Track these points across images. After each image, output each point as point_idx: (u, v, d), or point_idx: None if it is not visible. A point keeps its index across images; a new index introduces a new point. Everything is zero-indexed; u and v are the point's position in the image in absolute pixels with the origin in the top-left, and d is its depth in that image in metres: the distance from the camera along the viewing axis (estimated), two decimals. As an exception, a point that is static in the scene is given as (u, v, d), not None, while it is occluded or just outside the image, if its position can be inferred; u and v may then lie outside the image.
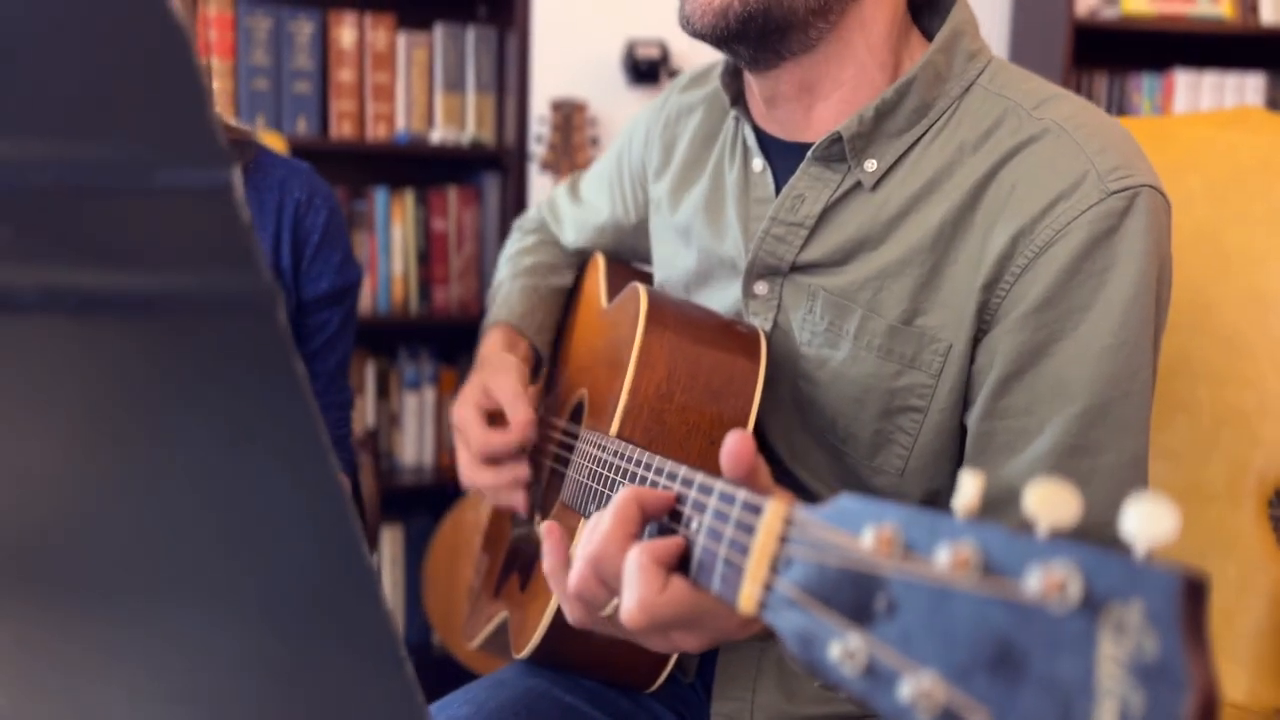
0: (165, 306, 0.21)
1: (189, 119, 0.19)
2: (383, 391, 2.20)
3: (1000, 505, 0.75)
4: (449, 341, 2.24)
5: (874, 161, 0.80)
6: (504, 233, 2.13)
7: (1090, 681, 0.33)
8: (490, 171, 2.19)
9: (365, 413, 2.19)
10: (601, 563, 0.57)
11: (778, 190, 0.85)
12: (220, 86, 1.99)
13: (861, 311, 0.79)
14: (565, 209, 1.17)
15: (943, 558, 0.38)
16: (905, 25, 0.83)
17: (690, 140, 0.97)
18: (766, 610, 0.46)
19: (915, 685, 0.37)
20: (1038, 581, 0.35)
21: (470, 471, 0.94)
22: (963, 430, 0.80)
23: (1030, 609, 0.35)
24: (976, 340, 0.77)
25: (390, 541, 2.19)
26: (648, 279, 1.06)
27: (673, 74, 2.13)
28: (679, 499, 0.58)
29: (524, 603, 0.88)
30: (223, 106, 2.00)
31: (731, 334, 0.82)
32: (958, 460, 0.81)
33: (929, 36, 0.84)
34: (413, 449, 2.22)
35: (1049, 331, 0.74)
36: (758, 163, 0.87)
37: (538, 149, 2.07)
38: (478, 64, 2.14)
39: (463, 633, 1.06)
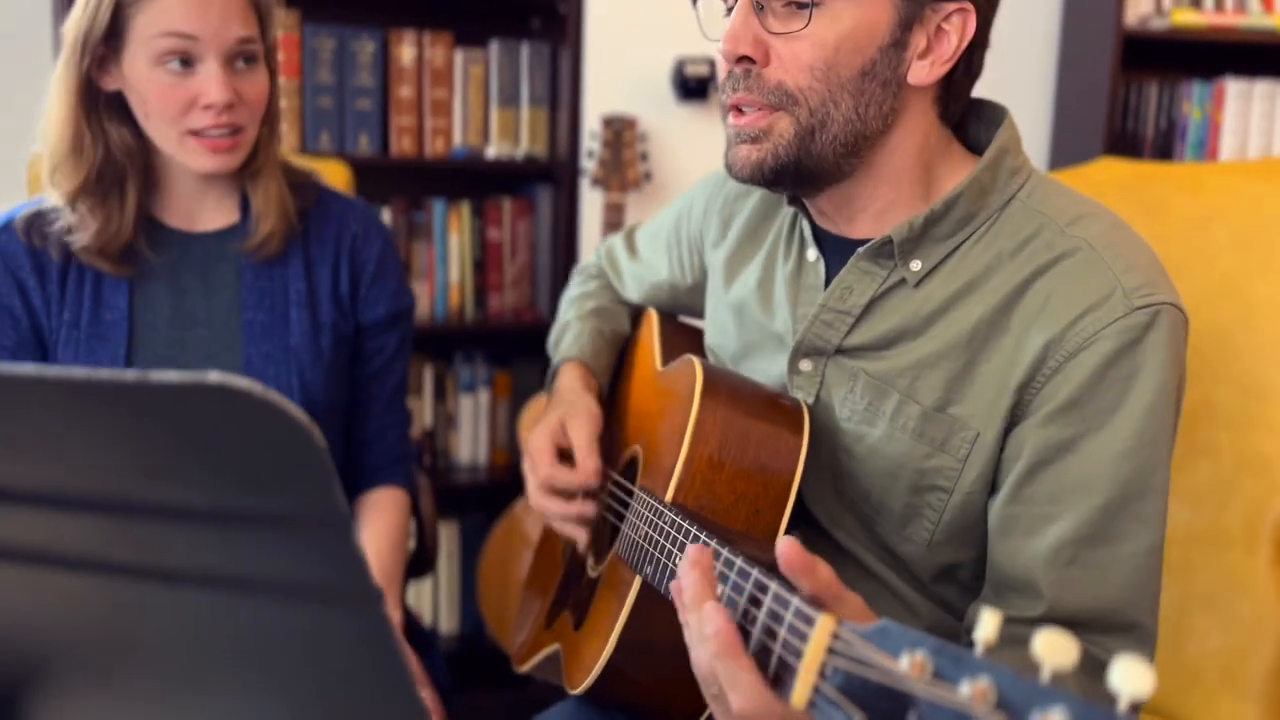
0: (298, 595, 0.28)
1: (318, 485, 0.27)
2: (440, 394, 2.30)
3: (1019, 586, 0.83)
4: (503, 346, 2.33)
5: (919, 262, 0.87)
6: (556, 243, 2.21)
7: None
8: (543, 184, 2.26)
9: (423, 414, 2.29)
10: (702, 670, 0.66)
11: (828, 279, 0.93)
12: (287, 105, 2.08)
13: (899, 396, 0.87)
14: (624, 263, 1.25)
15: (965, 689, 0.45)
16: (943, 142, 0.90)
17: (746, 219, 1.04)
18: (815, 707, 0.55)
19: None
20: None
21: (536, 497, 1.02)
22: (985, 513, 0.87)
23: None
24: (1007, 432, 0.84)
25: (446, 537, 2.30)
26: (698, 340, 1.13)
27: (721, 90, 2.18)
28: (734, 588, 0.66)
29: (578, 642, 0.97)
30: (290, 124, 2.10)
31: (778, 409, 0.90)
32: (980, 539, 0.88)
33: (971, 145, 0.92)
34: (468, 449, 2.32)
35: (1075, 430, 0.81)
36: (811, 253, 0.95)
37: (589, 165, 2.14)
38: (531, 80, 2.21)
39: (514, 655, 1.15)
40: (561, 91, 2.19)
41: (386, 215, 2.20)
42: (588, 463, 1.00)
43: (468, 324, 2.25)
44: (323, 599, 0.30)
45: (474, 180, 2.29)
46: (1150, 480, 0.82)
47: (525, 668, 1.10)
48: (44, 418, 0.32)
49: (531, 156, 2.20)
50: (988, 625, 0.48)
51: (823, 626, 0.56)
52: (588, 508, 1.01)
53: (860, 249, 0.88)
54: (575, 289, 1.28)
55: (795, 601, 0.59)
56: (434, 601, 2.32)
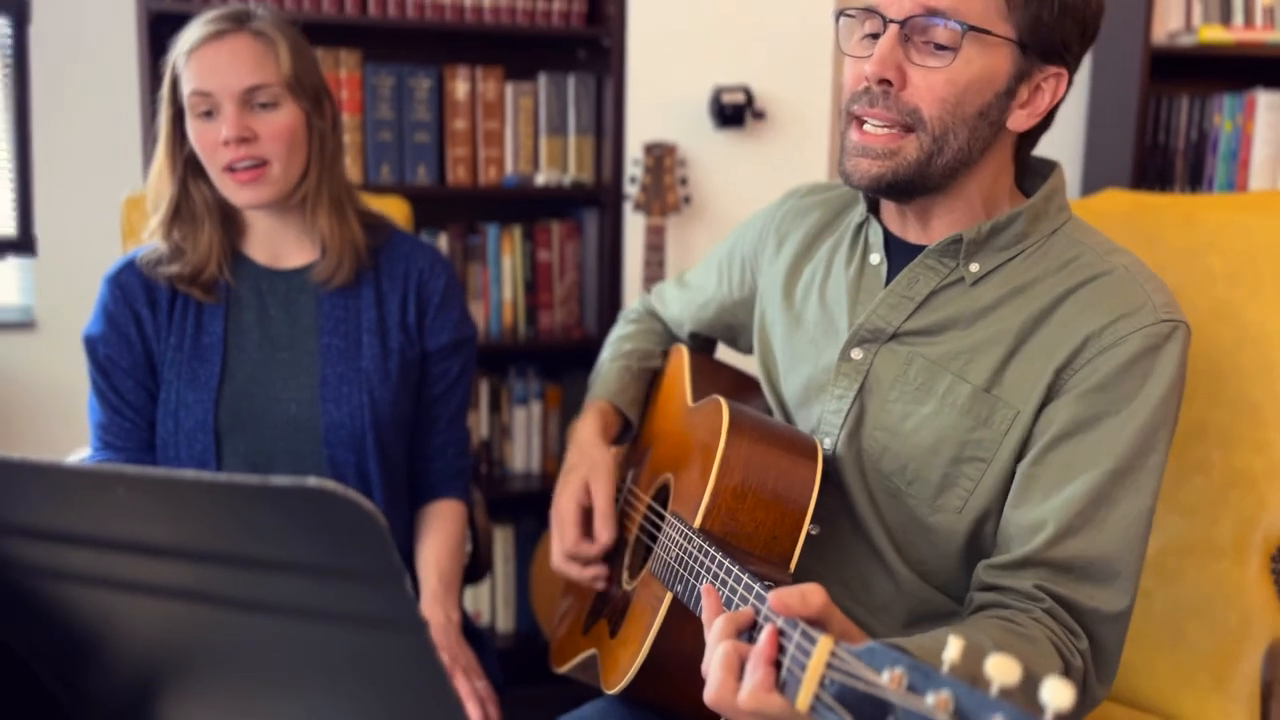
0: (361, 624, 0.41)
1: (381, 552, 0.40)
2: (495, 406, 2.45)
3: (1032, 530, 0.97)
4: (554, 361, 2.47)
5: (977, 265, 1.03)
6: (602, 263, 2.34)
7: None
8: (589, 208, 2.40)
9: (479, 426, 2.44)
10: (720, 703, 0.78)
11: (888, 281, 1.08)
12: (350, 139, 2.24)
13: (952, 376, 1.02)
14: (671, 292, 1.41)
15: (930, 699, 0.58)
16: (1008, 183, 1.07)
17: (803, 236, 1.20)
18: (814, 710, 0.67)
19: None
20: None
21: (559, 560, 1.18)
22: (1010, 477, 1.01)
23: None
24: (1041, 407, 0.99)
25: (502, 541, 2.44)
26: (724, 376, 1.26)
27: (757, 116, 2.30)
28: (755, 611, 0.79)
29: (614, 648, 1.10)
30: (352, 158, 2.25)
31: (796, 448, 1.03)
32: (1001, 500, 1.02)
33: (1023, 192, 1.09)
34: (521, 458, 2.47)
35: (1098, 410, 0.97)
36: (875, 257, 1.10)
37: (632, 189, 2.27)
38: (578, 110, 2.35)
39: (553, 656, 1.28)
40: (606, 120, 2.32)
41: (444, 240, 2.35)
42: (603, 534, 1.16)
43: (520, 340, 2.39)
44: (380, 627, 0.43)
45: (525, 206, 2.44)
46: (1149, 458, 0.97)
47: (563, 668, 1.23)
48: (175, 502, 0.46)
49: (578, 182, 2.34)
50: (953, 648, 0.59)
51: (823, 646, 0.68)
52: (601, 571, 1.17)
53: (931, 246, 1.04)
54: (616, 331, 1.43)
55: (802, 625, 0.72)
56: (491, 602, 2.47)
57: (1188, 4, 2.45)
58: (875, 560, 1.06)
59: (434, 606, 1.31)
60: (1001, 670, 0.56)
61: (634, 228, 2.30)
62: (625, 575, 1.15)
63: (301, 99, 1.30)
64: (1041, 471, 0.98)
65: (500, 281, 2.39)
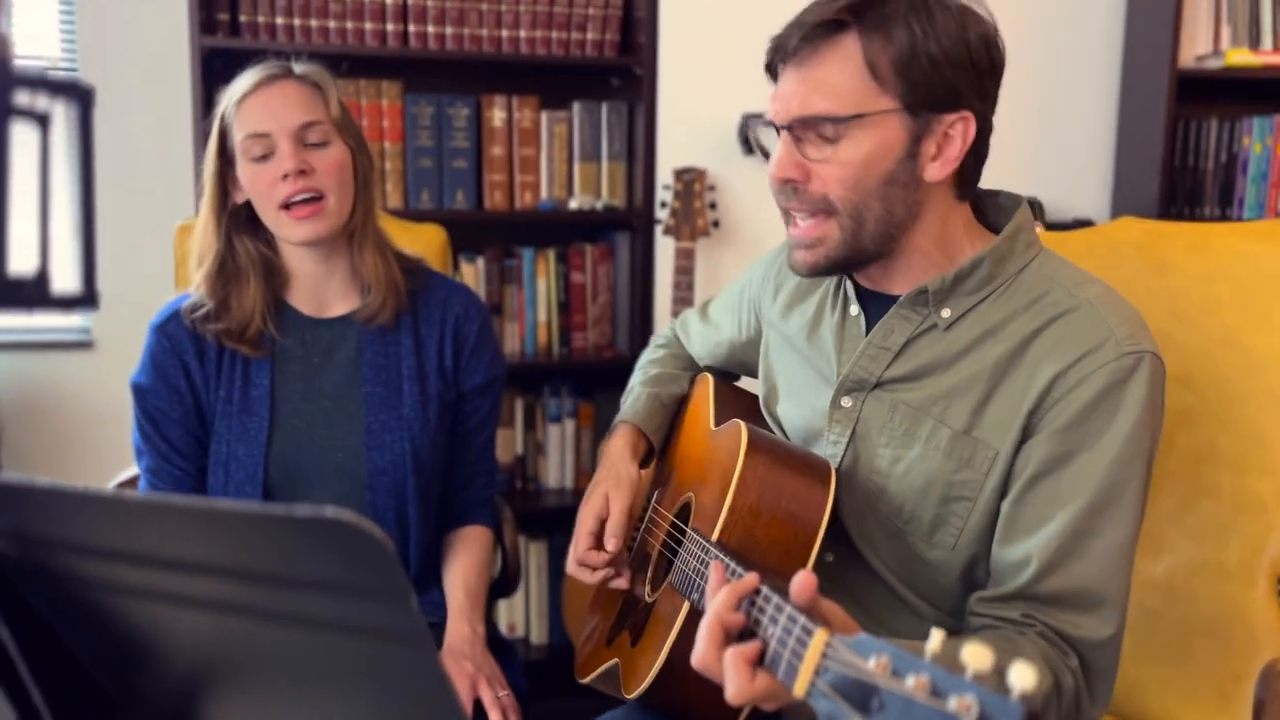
0: (373, 636, 0.48)
1: (391, 574, 0.46)
2: (529, 424, 2.52)
3: (1017, 567, 1.01)
4: (587, 380, 2.54)
5: (949, 310, 1.07)
6: (633, 285, 2.40)
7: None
8: (621, 231, 2.46)
9: (515, 443, 2.51)
10: (707, 668, 0.84)
11: (868, 329, 1.12)
12: (391, 166, 2.33)
13: (933, 421, 1.06)
14: (694, 326, 1.47)
15: (910, 681, 0.63)
16: (963, 218, 1.10)
17: (796, 284, 1.25)
18: (810, 696, 0.73)
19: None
20: (956, 703, 0.60)
21: (571, 565, 1.25)
22: (996, 513, 1.05)
23: (951, 716, 0.60)
24: (1018, 447, 1.03)
25: (535, 555, 2.51)
26: (745, 401, 1.32)
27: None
28: (760, 609, 0.83)
29: (634, 656, 1.15)
30: (393, 184, 2.34)
31: (809, 469, 1.08)
32: (990, 537, 1.06)
33: (989, 225, 1.12)
34: (555, 474, 2.53)
35: (1072, 446, 1.00)
36: (854, 309, 1.14)
37: (663, 214, 2.33)
38: (610, 137, 2.42)
39: (577, 667, 1.34)
40: (637, 146, 2.39)
41: (481, 263, 2.43)
42: (610, 544, 1.22)
43: (554, 360, 2.46)
44: (389, 639, 0.49)
45: (559, 229, 2.51)
46: (1125, 489, 1.00)
47: (587, 679, 1.29)
48: (214, 527, 0.52)
49: (611, 207, 2.41)
50: (934, 639, 0.65)
51: (819, 638, 0.74)
52: (610, 573, 1.23)
53: (902, 297, 1.08)
54: (645, 356, 1.50)
55: (802, 620, 0.77)
56: (525, 615, 2.53)
57: (1215, 28, 2.47)
58: (887, 591, 1.11)
59: (460, 621, 1.37)
60: (975, 656, 0.61)
61: (664, 251, 2.37)
62: (648, 589, 1.21)
63: (348, 138, 1.36)
64: (1023, 510, 1.02)
65: (535, 303, 2.46)
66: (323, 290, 1.42)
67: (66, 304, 0.53)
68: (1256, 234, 1.43)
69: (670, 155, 2.37)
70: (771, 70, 1.07)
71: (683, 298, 2.28)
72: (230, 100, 1.34)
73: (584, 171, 2.42)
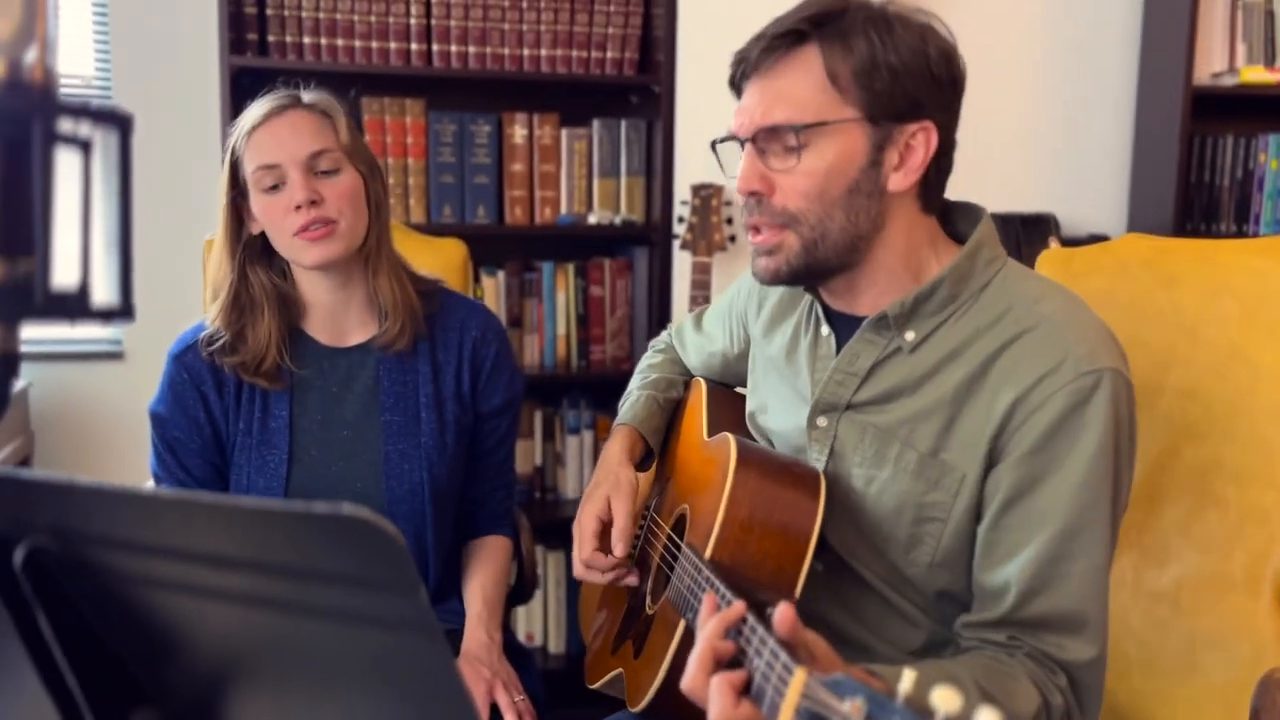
0: (385, 625, 0.51)
1: (402, 568, 0.50)
2: (548, 435, 2.56)
3: (998, 595, 1.02)
4: (605, 392, 2.57)
5: (913, 332, 1.07)
6: (651, 299, 2.44)
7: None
8: (640, 246, 2.50)
9: (533, 454, 2.54)
10: (693, 692, 0.86)
11: (838, 349, 1.13)
12: (415, 182, 2.38)
13: (900, 444, 1.07)
14: (689, 336, 1.49)
15: None
16: (929, 232, 1.10)
17: (776, 302, 1.27)
18: None
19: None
20: None
21: (579, 569, 1.27)
22: (974, 538, 1.06)
23: None
24: (987, 472, 1.03)
25: (554, 565, 2.54)
26: (739, 407, 1.34)
27: (801, 158, 2.38)
28: (746, 640, 0.85)
29: (638, 668, 1.18)
30: (416, 199, 2.39)
31: (800, 481, 1.10)
32: (968, 562, 1.07)
33: (956, 236, 1.11)
34: (574, 484, 2.57)
35: (1039, 470, 1.00)
36: (825, 329, 1.15)
37: (680, 229, 2.37)
38: (629, 153, 2.46)
39: (586, 673, 1.38)
40: (656, 163, 2.43)
41: (501, 277, 2.47)
42: (617, 549, 1.23)
43: (573, 372, 2.50)
44: (401, 629, 0.52)
45: (578, 244, 2.55)
46: (1096, 512, 1.00)
47: (595, 685, 1.32)
48: (240, 523, 0.56)
49: (629, 222, 2.45)
50: (906, 681, 0.67)
51: (798, 678, 0.76)
52: (621, 574, 1.25)
53: (865, 322, 1.08)
54: (645, 361, 1.52)
55: (783, 657, 0.80)
56: (544, 624, 2.57)
57: (1231, 46, 2.49)
58: (880, 599, 1.12)
59: (478, 629, 1.41)
60: (944, 700, 0.63)
61: (682, 265, 2.40)
62: (649, 600, 1.24)
63: (359, 164, 1.37)
64: (998, 536, 1.02)
65: (554, 316, 2.51)
66: (340, 319, 1.43)
67: (105, 316, 0.57)
68: (1262, 250, 1.45)
69: (688, 171, 2.40)
70: (735, 86, 1.09)
71: (701, 311, 2.31)
72: (240, 132, 1.35)
73: (603, 187, 2.47)
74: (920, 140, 1.03)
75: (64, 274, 0.56)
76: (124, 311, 0.58)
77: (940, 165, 1.07)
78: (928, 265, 1.09)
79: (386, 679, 0.57)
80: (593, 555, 1.25)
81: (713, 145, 1.13)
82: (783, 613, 0.82)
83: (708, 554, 1.06)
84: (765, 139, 1.03)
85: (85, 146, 0.58)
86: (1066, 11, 2.67)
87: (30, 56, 0.56)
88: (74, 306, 0.55)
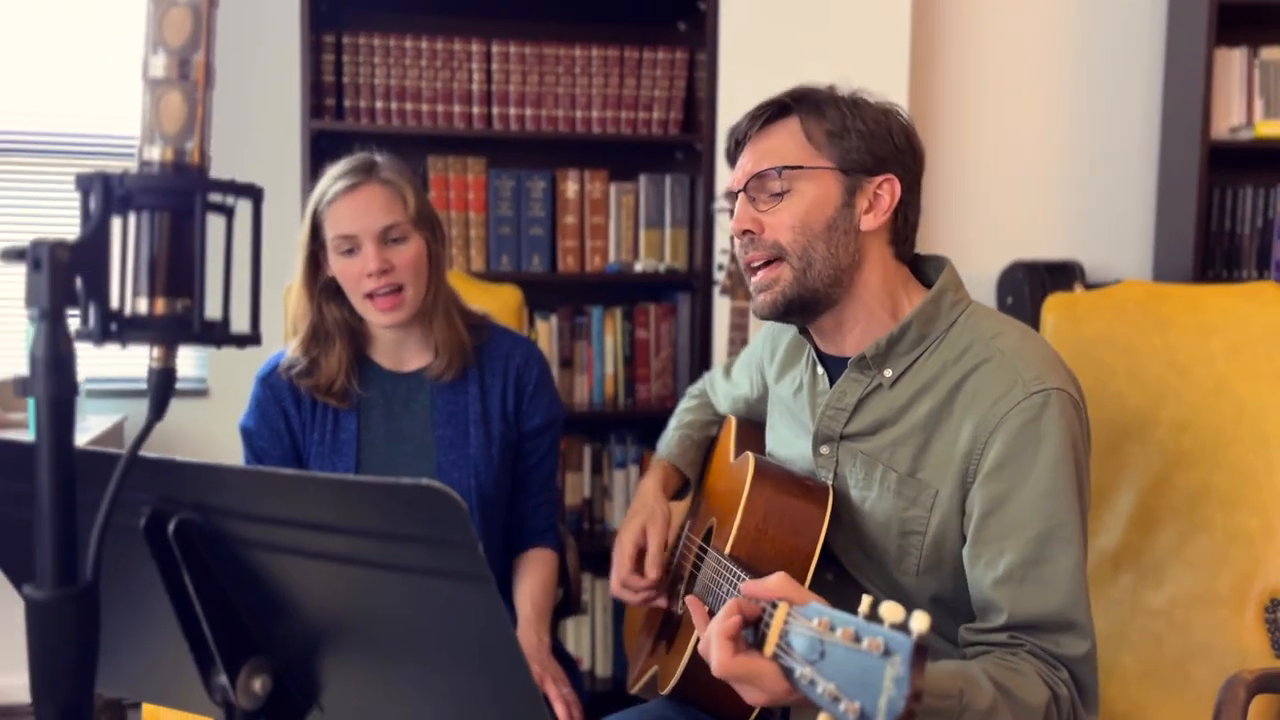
0: (447, 575, 0.68)
1: (465, 529, 0.67)
2: (596, 469, 2.72)
3: (991, 604, 1.14)
4: (650, 428, 2.72)
5: (890, 370, 1.22)
6: (693, 341, 2.60)
7: (880, 684, 0.76)
8: (683, 292, 2.67)
9: (582, 486, 2.71)
10: (705, 653, 1.00)
11: (831, 387, 1.29)
12: (475, 234, 2.58)
13: (883, 467, 1.22)
14: (720, 384, 1.66)
15: (839, 633, 0.81)
16: (901, 276, 1.25)
17: (787, 345, 1.43)
18: (776, 656, 0.90)
19: (825, 688, 0.81)
20: (868, 643, 0.77)
21: (615, 587, 1.43)
22: (955, 554, 1.19)
23: (868, 653, 0.77)
24: (963, 492, 1.17)
25: (600, 592, 2.69)
26: (762, 437, 1.50)
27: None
28: (763, 609, 0.97)
29: (668, 659, 1.34)
30: (477, 250, 2.59)
31: (809, 493, 1.25)
32: (953, 574, 1.20)
33: (924, 281, 1.27)
34: (620, 515, 2.71)
35: (1007, 484, 1.14)
36: (819, 370, 1.31)
37: (719, 276, 2.53)
38: (673, 205, 2.64)
39: (629, 682, 1.53)
40: (698, 215, 2.60)
41: (554, 321, 2.66)
42: (651, 572, 1.40)
43: (620, 410, 2.67)
44: (462, 579, 0.69)
45: (625, 290, 2.73)
46: (1066, 515, 1.12)
47: (634, 689, 1.47)
48: (339, 493, 0.73)
49: (672, 269, 2.62)
50: (864, 604, 0.81)
51: (781, 609, 0.91)
52: (651, 595, 1.40)
53: (849, 362, 1.24)
54: (681, 405, 1.70)
55: (772, 599, 0.94)
56: (591, 648, 2.71)
57: (1249, 101, 2.61)
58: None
59: (528, 630, 1.56)
60: (890, 611, 0.78)
61: (721, 310, 2.56)
62: (681, 603, 1.39)
63: (424, 229, 1.57)
64: (980, 550, 1.14)
65: (603, 357, 2.68)
66: (401, 349, 1.64)
67: (241, 341, 0.75)
68: (1247, 295, 1.58)
69: (727, 223, 2.57)
70: (730, 157, 1.29)
71: (737, 353, 2.47)
72: (322, 200, 1.54)
73: (649, 237, 2.65)
74: (886, 189, 1.20)
75: (211, 309, 0.74)
76: (254, 338, 0.76)
77: (908, 216, 1.24)
78: (901, 307, 1.24)
79: (449, 626, 0.74)
80: (629, 576, 1.41)
81: (715, 209, 1.32)
82: (779, 576, 0.97)
83: (727, 550, 1.21)
84: (755, 186, 1.22)
85: (229, 212, 0.77)
86: (1092, 68, 2.82)
87: (190, 144, 0.75)
88: (220, 333, 0.73)
